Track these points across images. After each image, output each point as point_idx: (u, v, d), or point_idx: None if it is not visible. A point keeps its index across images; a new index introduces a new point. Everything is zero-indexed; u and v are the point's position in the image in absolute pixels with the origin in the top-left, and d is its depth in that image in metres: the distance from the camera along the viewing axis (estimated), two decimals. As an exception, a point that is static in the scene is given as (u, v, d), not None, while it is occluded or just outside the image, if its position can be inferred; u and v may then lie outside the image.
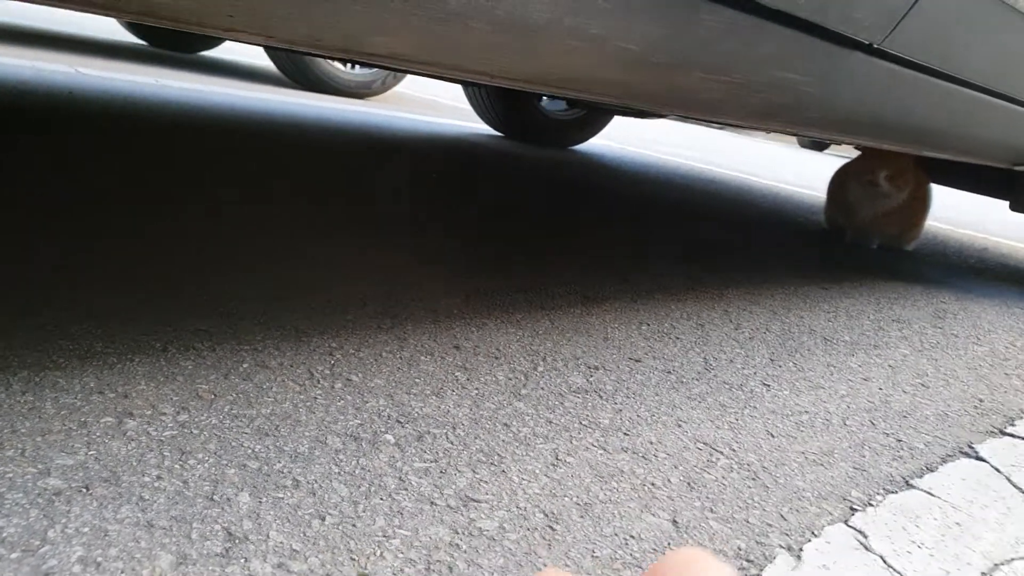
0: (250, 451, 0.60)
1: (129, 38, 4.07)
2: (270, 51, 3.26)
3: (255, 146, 1.87)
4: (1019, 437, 0.93)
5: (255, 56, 4.57)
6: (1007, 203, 2.04)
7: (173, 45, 4.00)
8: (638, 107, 0.93)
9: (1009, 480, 0.80)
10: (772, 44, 0.67)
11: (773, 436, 0.81)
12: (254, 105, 2.56)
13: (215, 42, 4.16)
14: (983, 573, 0.62)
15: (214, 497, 0.53)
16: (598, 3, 0.53)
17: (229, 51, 4.69)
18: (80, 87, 2.19)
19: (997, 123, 1.15)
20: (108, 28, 4.46)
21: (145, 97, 2.25)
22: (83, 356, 0.69)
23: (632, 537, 0.58)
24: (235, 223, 1.19)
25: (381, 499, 0.57)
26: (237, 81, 3.23)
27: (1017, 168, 1.71)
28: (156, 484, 0.53)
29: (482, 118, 3.14)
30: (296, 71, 3.28)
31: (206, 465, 0.57)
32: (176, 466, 0.56)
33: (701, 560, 0.17)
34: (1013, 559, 0.64)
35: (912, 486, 0.75)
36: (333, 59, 3.02)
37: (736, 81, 0.72)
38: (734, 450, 0.75)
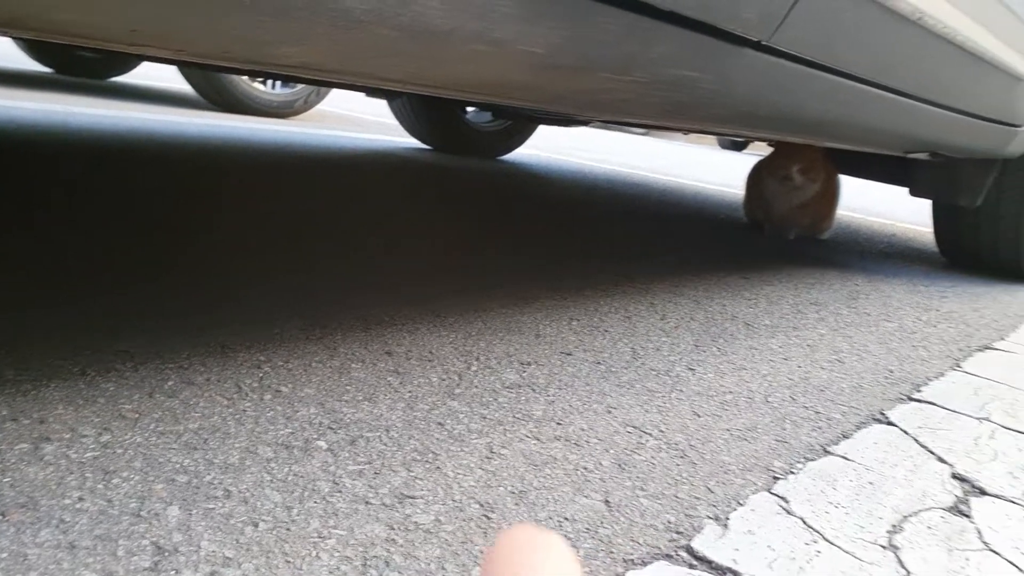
0: (178, 466, 0.59)
1: (33, 65, 3.93)
2: (186, 72, 3.20)
3: (172, 169, 1.84)
4: (925, 401, 0.99)
5: (171, 80, 4.47)
6: (908, 189, 2.16)
7: (81, 71, 3.88)
8: (553, 109, 0.96)
9: (916, 440, 0.86)
10: (669, 44, 0.71)
11: (699, 416, 0.84)
12: (170, 128, 2.51)
13: (127, 67, 4.05)
14: (893, 525, 0.66)
15: (141, 513, 0.53)
16: (500, 8, 0.56)
17: (144, 76, 4.58)
18: (-17, 118, 2.11)
19: (885, 113, 1.22)
20: (7, 55, 4.29)
21: (52, 125, 2.18)
22: (-3, 385, 0.67)
23: (566, 519, 0.60)
24: (150, 245, 1.17)
25: (315, 502, 0.57)
26: (153, 106, 3.16)
27: (910, 155, 1.81)
28: (78, 506, 0.52)
29: (408, 131, 3.14)
30: (215, 92, 3.22)
31: (131, 483, 0.56)
32: (99, 486, 0.55)
33: (531, 537, 0.19)
34: (919, 511, 0.69)
35: (830, 453, 0.79)
36: (246, 73, 2.98)
37: (639, 80, 0.75)
38: (662, 431, 0.78)
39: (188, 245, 1.21)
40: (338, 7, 0.49)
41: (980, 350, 1.31)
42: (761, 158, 2.32)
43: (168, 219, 1.37)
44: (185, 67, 2.90)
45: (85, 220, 1.26)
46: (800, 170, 2.13)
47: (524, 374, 0.88)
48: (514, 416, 0.77)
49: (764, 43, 0.83)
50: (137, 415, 0.66)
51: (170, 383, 0.73)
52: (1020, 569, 0.61)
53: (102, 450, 0.60)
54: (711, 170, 5.09)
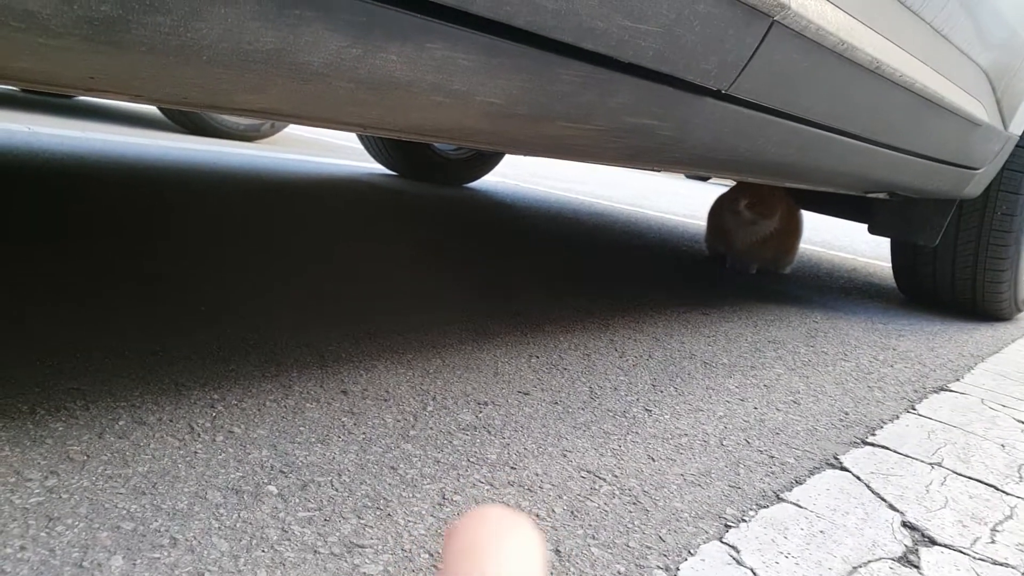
0: (125, 512, 0.58)
1: (-2, 81, 3.87)
2: (153, 94, 3.17)
3: (130, 193, 1.82)
4: (879, 446, 1.01)
5: (138, 98, 4.43)
6: (867, 226, 2.21)
7: (47, 90, 3.83)
8: (512, 152, 0.97)
9: (868, 487, 0.87)
10: (627, 94, 0.72)
11: (654, 460, 0.84)
12: (133, 150, 2.48)
13: (93, 85, 4.00)
14: (840, 576, 0.67)
15: (83, 564, 0.52)
16: (459, 62, 0.56)
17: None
18: (-59, 135, 2.07)
19: (843, 157, 1.26)
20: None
21: (14, 146, 2.15)
22: (-60, 425, 0.65)
23: (516, 569, 0.60)
24: (107, 276, 1.15)
25: (263, 551, 0.57)
26: (118, 126, 3.12)
27: (869, 195, 1.86)
28: (19, 556, 0.51)
29: (375, 158, 3.15)
30: (181, 115, 3.20)
31: (75, 530, 0.55)
32: (42, 534, 0.54)
33: (498, 515, 0.19)
34: (869, 561, 0.70)
35: (782, 499, 0.80)
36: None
37: (598, 128, 0.77)
38: (616, 476, 0.79)
39: (140, 275, 1.20)
40: (296, 61, 0.50)
41: (935, 391, 1.34)
42: (724, 192, 2.36)
43: (120, 247, 1.35)
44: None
45: (33, 245, 1.24)
46: (759, 206, 2.17)
47: (480, 415, 0.88)
48: (468, 460, 0.77)
49: (723, 92, 0.86)
50: (85, 457, 0.65)
51: (121, 423, 0.72)
52: (960, 621, 0.62)
53: (47, 495, 0.59)
54: (675, 200, 5.16)
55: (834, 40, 0.89)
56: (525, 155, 1.05)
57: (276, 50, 0.48)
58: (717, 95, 0.84)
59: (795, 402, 1.14)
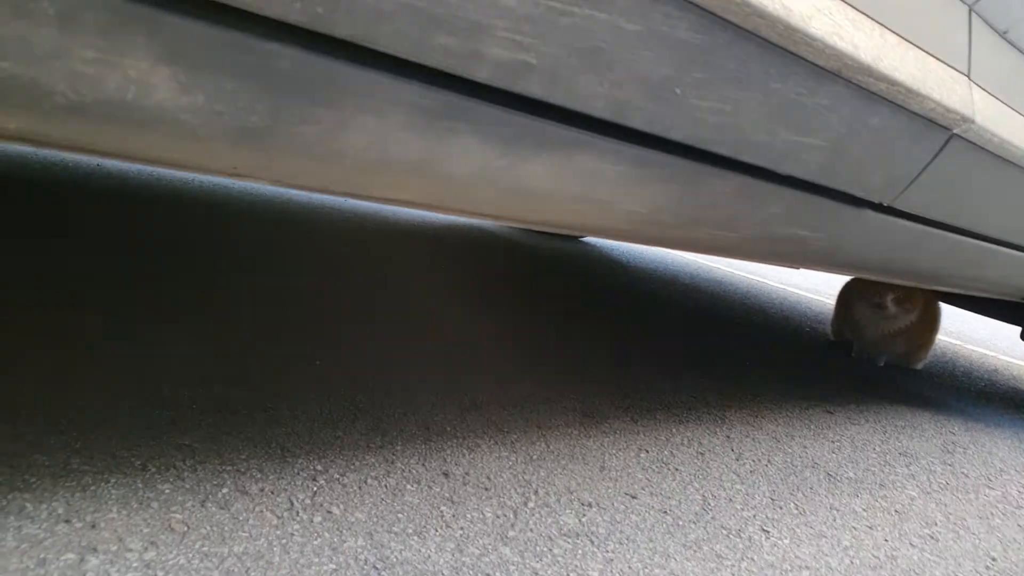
0: (215, 601, 0.57)
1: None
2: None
3: (244, 233, 1.89)
4: (1030, 607, 0.89)
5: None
6: (1019, 329, 2.02)
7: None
8: (649, 246, 0.92)
9: (1019, 663, 0.76)
10: (780, 205, 0.67)
11: (770, 598, 0.77)
12: (244, 184, 2.59)
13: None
14: None
15: (169, 662, 0.50)
16: (605, 173, 0.53)
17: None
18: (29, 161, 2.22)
19: (1007, 267, 1.14)
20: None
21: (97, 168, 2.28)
22: (56, 475, 0.66)
23: None
24: (233, 323, 1.18)
25: (347, 668, 0.54)
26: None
27: (1029, 304, 1.69)
28: (109, 645, 0.50)
29: (496, 204, 3.17)
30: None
31: (166, 619, 0.54)
32: (134, 620, 0.53)
33: None
34: None
35: (916, 666, 0.71)
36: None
37: (744, 236, 0.71)
38: (728, 616, 0.72)
39: (259, 324, 1.22)
40: (440, 171, 0.47)
41: (1094, 537, 1.18)
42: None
43: (233, 295, 1.39)
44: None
45: (143, 287, 1.29)
46: (895, 300, 2.02)
47: (584, 519, 0.83)
48: (568, 574, 0.72)
49: (887, 204, 0.78)
50: (186, 528, 0.64)
51: (224, 490, 0.71)
52: None
53: (144, 570, 0.58)
54: (798, 273, 4.94)
55: (1019, 153, 0.81)
56: (661, 247, 1.00)
57: (422, 160, 0.46)
58: (878, 207, 0.78)
59: (932, 537, 1.03)
